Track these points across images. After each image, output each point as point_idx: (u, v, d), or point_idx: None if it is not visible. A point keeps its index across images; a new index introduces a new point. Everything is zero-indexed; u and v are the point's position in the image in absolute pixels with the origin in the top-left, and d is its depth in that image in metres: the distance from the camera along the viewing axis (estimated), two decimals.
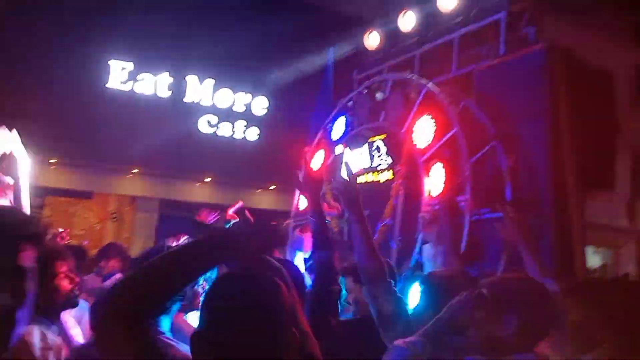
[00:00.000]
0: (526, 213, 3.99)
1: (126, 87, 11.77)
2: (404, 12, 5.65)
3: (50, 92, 10.62)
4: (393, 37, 5.91)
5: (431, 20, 5.38)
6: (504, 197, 4.17)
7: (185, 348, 1.59)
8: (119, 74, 11.67)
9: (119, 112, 11.31)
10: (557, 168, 4.13)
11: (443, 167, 4.33)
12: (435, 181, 4.38)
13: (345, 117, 5.72)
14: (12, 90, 10.13)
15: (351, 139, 5.51)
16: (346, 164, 2.26)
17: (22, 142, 2.16)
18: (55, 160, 12.00)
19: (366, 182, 5.20)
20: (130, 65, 11.69)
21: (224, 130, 12.72)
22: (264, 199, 14.40)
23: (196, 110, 12.49)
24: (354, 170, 5.56)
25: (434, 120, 4.49)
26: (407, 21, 5.67)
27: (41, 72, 10.56)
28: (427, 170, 4.44)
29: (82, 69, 11.01)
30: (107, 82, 11.58)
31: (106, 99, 11.45)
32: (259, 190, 14.26)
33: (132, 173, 12.99)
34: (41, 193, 11.44)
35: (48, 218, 12.29)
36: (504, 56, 4.53)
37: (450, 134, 4.33)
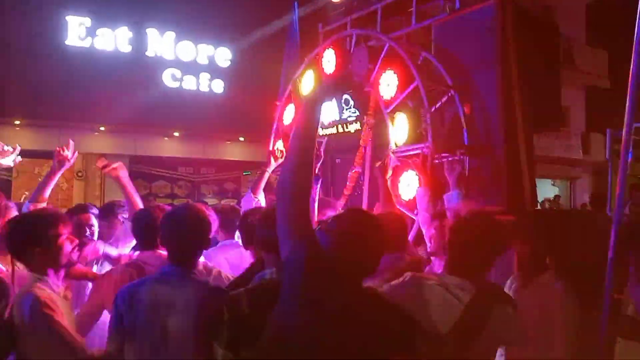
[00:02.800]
0: (481, 155, 4.50)
1: (85, 43, 11.61)
2: None
3: (8, 52, 10.43)
4: None
5: None
6: (462, 142, 4.64)
7: None
8: (77, 30, 11.48)
9: (80, 69, 11.22)
10: (506, 112, 4.60)
11: (407, 117, 4.75)
12: (399, 130, 4.81)
13: (313, 70, 5.99)
14: None
15: None
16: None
17: None
18: (19, 122, 11.89)
19: (337, 133, 5.59)
20: (87, 21, 11.50)
21: (189, 83, 12.75)
22: (234, 151, 14.65)
23: (159, 64, 12.44)
24: (325, 122, 5.89)
25: (396, 74, 4.85)
26: None
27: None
28: (392, 121, 4.86)
29: (40, 27, 10.80)
30: (66, 39, 11.40)
31: (67, 56, 11.30)
32: (228, 142, 14.47)
33: (99, 131, 12.98)
34: None
35: (15, 180, 12.30)
36: (458, 11, 4.88)
37: (413, 86, 4.71)
